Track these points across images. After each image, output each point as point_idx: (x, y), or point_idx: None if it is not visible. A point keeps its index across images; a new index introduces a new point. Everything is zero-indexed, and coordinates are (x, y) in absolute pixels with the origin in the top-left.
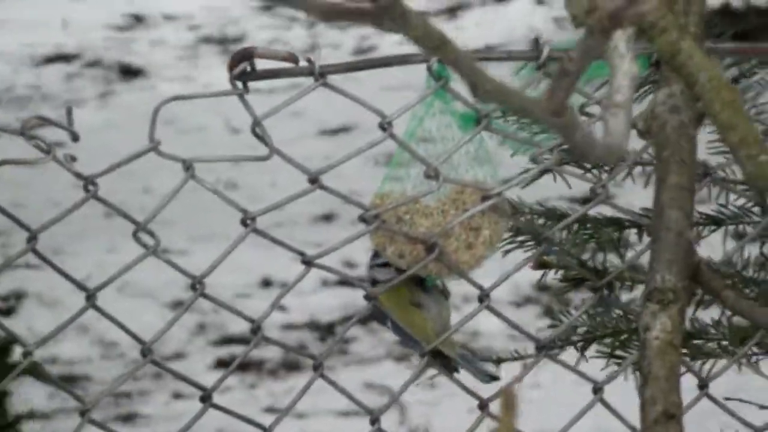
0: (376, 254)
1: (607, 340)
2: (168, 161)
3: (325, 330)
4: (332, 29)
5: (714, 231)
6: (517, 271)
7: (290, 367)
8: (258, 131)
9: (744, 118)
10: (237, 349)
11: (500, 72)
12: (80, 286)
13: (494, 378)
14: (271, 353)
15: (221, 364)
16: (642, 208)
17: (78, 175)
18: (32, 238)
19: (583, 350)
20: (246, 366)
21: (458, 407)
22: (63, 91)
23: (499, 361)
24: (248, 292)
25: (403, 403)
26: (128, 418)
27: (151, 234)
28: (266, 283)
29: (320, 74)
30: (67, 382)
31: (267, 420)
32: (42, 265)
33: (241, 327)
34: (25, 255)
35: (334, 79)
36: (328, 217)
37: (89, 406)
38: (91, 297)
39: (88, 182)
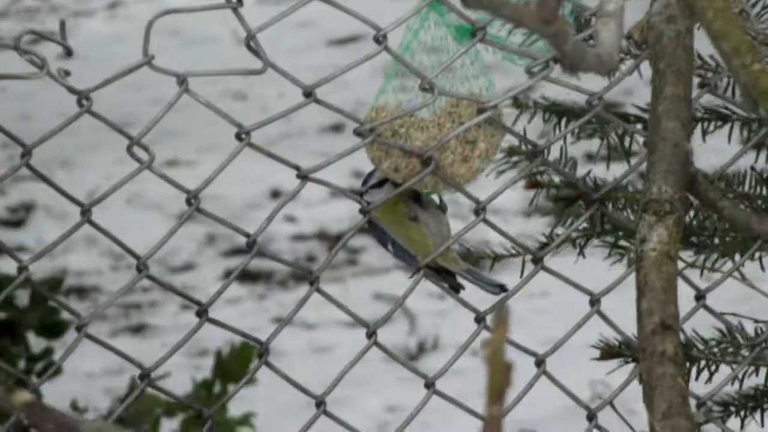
0: (370, 175)
1: (608, 238)
2: (175, 67)
3: (334, 240)
4: None
5: (720, 127)
6: (513, 184)
7: (299, 277)
8: (252, 44)
9: (736, 27)
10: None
11: None
12: (75, 201)
13: (503, 289)
14: (280, 264)
15: (230, 274)
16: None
17: (72, 90)
18: (26, 153)
19: (582, 247)
20: (255, 277)
21: (467, 317)
22: (71, 2)
23: (495, 258)
24: (257, 202)
25: (412, 313)
26: (138, 330)
27: (146, 148)
28: (275, 194)
29: None
30: (77, 294)
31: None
32: (50, 177)
33: None
34: (19, 170)
35: None
36: (336, 128)
37: (86, 321)
38: (86, 212)
39: (82, 96)
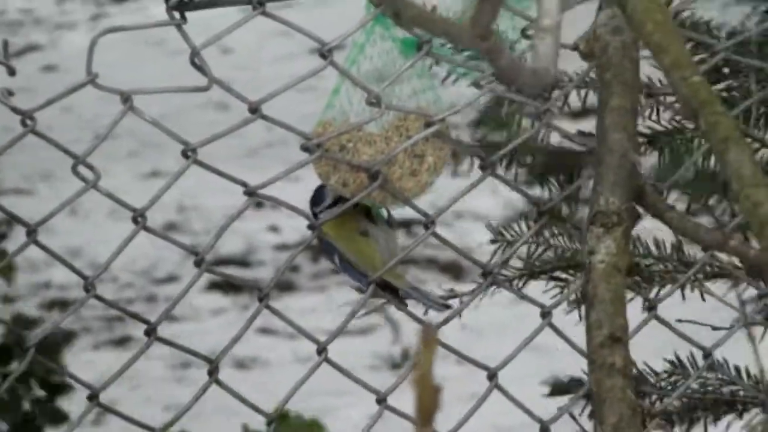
0: (319, 190)
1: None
2: (155, 80)
3: (317, 250)
4: None
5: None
6: (465, 194)
7: (283, 287)
8: (197, 61)
9: (676, 40)
10: (229, 271)
11: None
12: (22, 222)
13: (446, 306)
14: (264, 273)
15: (214, 286)
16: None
17: (15, 110)
18: None
19: (528, 279)
20: (239, 287)
21: (451, 326)
22: (55, 14)
23: (445, 299)
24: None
25: (396, 323)
26: (121, 342)
27: (91, 168)
28: (258, 204)
29: (258, 3)
30: (60, 307)
31: (261, 341)
32: (33, 190)
33: (233, 248)
34: None
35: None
36: None
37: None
38: (31, 233)
39: (26, 117)
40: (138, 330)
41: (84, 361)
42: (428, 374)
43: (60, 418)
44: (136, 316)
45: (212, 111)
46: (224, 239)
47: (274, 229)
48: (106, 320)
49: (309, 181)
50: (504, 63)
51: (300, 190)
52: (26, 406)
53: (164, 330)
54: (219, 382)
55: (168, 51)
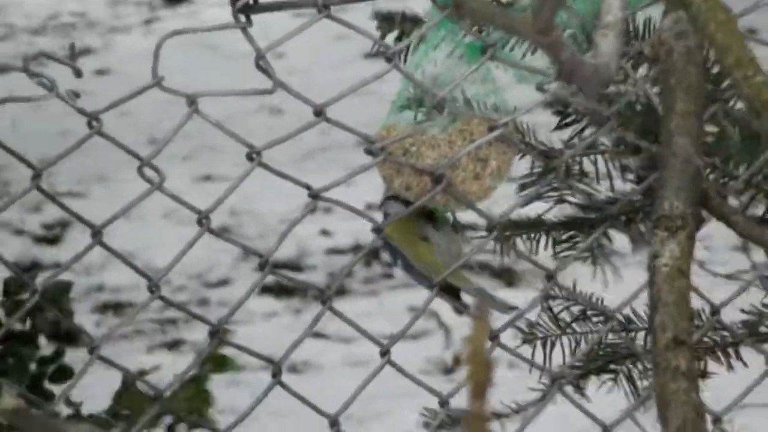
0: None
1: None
2: (210, 84)
3: (370, 254)
4: None
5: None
6: (529, 203)
7: (336, 291)
8: (262, 64)
9: (739, 40)
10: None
11: None
12: (86, 223)
13: (512, 308)
14: (316, 278)
15: (266, 290)
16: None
17: (82, 112)
18: (36, 175)
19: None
20: (291, 291)
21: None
22: (108, 18)
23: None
24: (293, 217)
25: (448, 327)
26: (174, 345)
27: (156, 169)
28: (311, 210)
29: (324, 6)
30: (114, 310)
31: (314, 345)
32: (87, 192)
33: (285, 253)
34: (30, 192)
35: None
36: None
37: (97, 343)
38: (97, 234)
39: (91, 118)
40: (191, 333)
41: (138, 364)
42: (480, 350)
43: (68, 375)
44: (200, 318)
45: (267, 115)
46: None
47: (325, 233)
48: (159, 323)
49: (365, 184)
50: (564, 57)
51: (358, 193)
52: (32, 367)
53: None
54: (282, 384)
55: (223, 55)
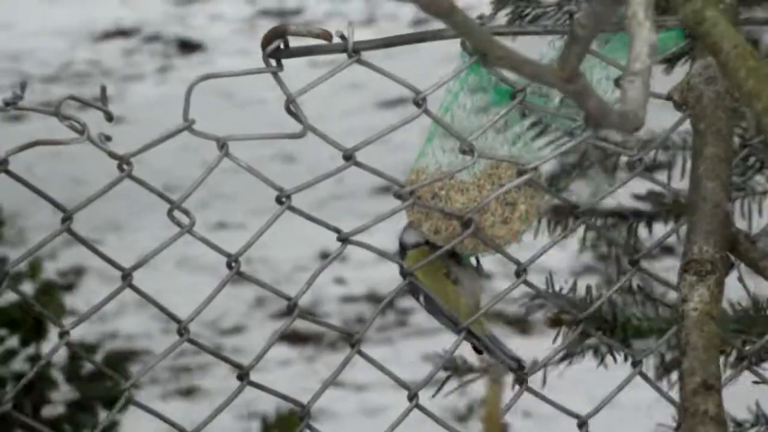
0: (405, 229)
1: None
2: (225, 131)
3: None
4: (390, 1)
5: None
6: (554, 245)
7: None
8: (292, 108)
9: None
10: (297, 323)
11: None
12: (117, 266)
13: (520, 365)
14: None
15: (281, 337)
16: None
17: (112, 155)
18: (66, 218)
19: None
20: (305, 339)
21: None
22: (122, 66)
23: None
24: (306, 264)
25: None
26: (188, 393)
27: (186, 213)
28: (324, 256)
29: (354, 51)
30: (128, 357)
31: (328, 393)
32: (102, 240)
33: (301, 300)
34: (59, 235)
35: (388, 52)
36: (387, 189)
37: (128, 386)
38: (126, 277)
39: (123, 162)
40: (205, 380)
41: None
42: (495, 411)
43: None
44: (229, 361)
45: (280, 163)
46: (291, 291)
47: (340, 281)
48: (173, 371)
49: (386, 230)
50: (592, 105)
51: (372, 240)
52: None
53: (230, 381)
54: (311, 428)
55: (236, 102)
